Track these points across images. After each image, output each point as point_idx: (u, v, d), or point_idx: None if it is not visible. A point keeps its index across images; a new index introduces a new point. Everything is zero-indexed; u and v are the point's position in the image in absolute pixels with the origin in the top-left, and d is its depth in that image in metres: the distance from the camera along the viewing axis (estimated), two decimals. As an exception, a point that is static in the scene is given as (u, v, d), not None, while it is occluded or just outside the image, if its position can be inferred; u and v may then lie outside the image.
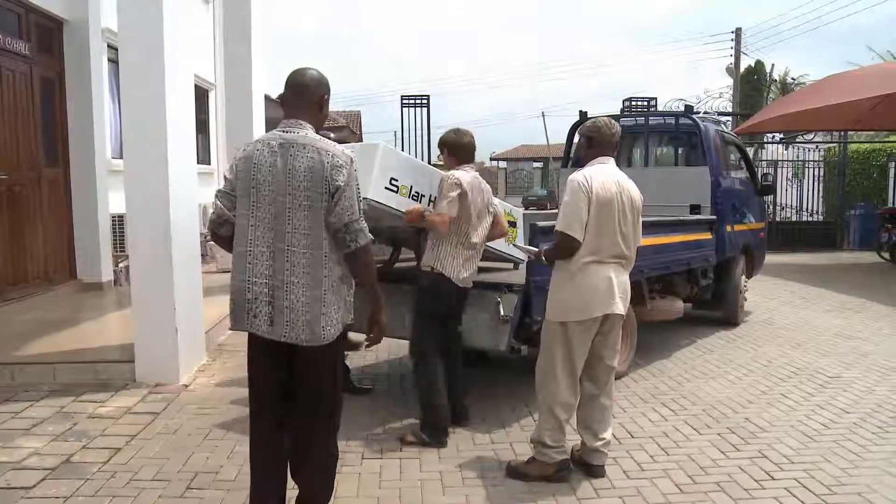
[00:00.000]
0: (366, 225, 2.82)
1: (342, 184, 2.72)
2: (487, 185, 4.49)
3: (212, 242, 6.06)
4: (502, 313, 4.46)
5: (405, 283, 4.70)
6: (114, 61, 8.15)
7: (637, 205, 3.85)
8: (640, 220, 3.91)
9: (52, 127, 7.93)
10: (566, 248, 3.71)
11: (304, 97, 2.89)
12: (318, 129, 2.92)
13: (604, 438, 3.82)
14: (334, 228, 2.75)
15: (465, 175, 4.24)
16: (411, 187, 4.35)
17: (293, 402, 2.93)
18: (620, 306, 3.75)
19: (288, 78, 2.93)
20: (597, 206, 3.66)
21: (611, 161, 3.90)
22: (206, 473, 3.77)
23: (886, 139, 18.81)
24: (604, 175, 3.77)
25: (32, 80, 7.54)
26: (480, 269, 4.55)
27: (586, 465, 3.83)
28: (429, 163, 8.39)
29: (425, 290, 4.28)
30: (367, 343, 3.08)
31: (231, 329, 2.96)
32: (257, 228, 2.77)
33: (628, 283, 3.87)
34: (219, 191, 2.90)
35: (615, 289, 3.71)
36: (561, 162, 8.86)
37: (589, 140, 3.96)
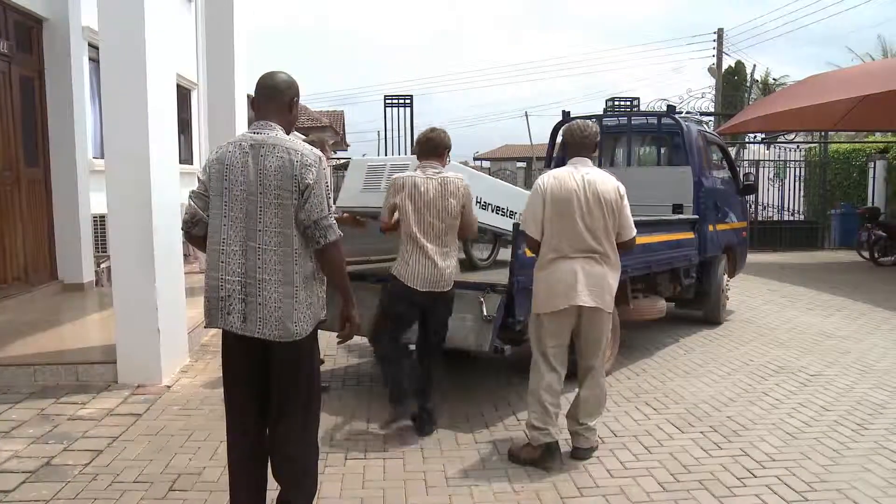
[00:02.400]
0: (335, 222, 2.86)
1: (311, 181, 2.76)
2: (450, 182, 4.23)
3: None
4: (485, 313, 4.47)
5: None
6: (95, 60, 8.10)
7: (608, 198, 3.88)
8: (619, 212, 3.93)
9: (31, 126, 7.84)
10: (527, 244, 4.07)
11: (274, 99, 2.94)
12: (289, 130, 2.97)
13: (584, 423, 4.00)
14: (304, 226, 2.79)
15: (410, 173, 4.30)
16: None
17: (269, 400, 2.94)
18: (586, 298, 3.82)
19: (258, 81, 2.98)
20: (552, 205, 3.86)
21: (586, 161, 4.05)
22: (189, 475, 3.75)
23: (866, 139, 19.05)
24: (566, 174, 3.94)
25: (11, 78, 7.44)
26: (465, 269, 4.54)
27: (571, 450, 4.04)
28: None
29: (386, 290, 4.44)
30: (338, 340, 3.10)
31: (205, 326, 2.97)
32: (230, 227, 2.81)
33: (605, 276, 3.90)
34: (192, 191, 2.94)
35: (579, 282, 3.82)
36: (544, 162, 8.87)
37: (564, 143, 4.23)
